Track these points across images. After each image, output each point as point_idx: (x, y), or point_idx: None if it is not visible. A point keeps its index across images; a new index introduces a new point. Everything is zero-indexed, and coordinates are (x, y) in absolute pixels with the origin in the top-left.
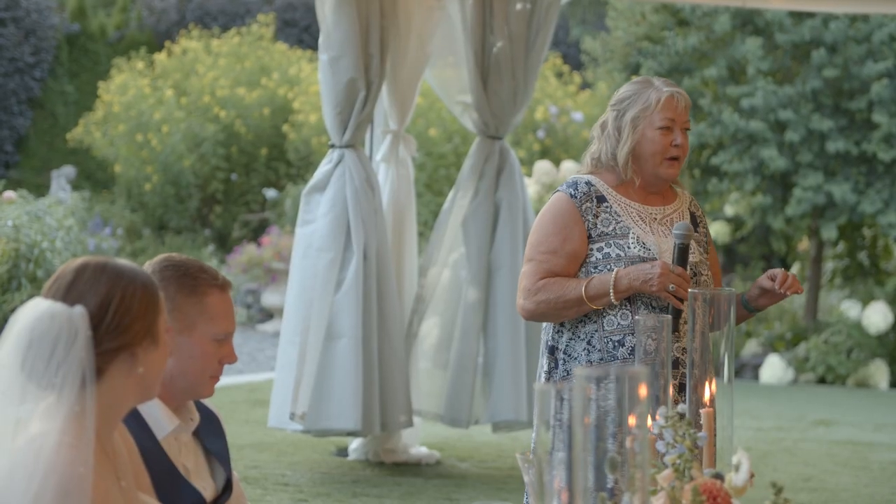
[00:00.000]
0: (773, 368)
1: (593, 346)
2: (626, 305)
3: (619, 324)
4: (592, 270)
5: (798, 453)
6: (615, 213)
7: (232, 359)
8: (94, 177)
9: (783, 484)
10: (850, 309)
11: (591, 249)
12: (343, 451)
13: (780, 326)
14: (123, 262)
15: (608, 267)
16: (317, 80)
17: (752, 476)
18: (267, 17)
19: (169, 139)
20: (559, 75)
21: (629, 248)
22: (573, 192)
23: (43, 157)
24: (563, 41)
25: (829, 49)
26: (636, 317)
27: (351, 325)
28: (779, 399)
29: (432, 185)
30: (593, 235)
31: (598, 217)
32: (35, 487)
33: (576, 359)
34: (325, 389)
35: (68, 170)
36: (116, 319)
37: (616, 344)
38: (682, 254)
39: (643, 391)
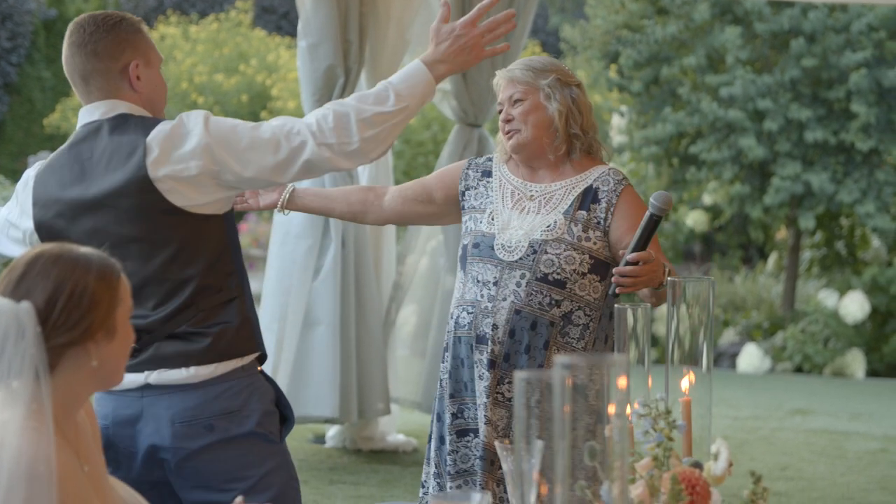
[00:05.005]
0: (751, 357)
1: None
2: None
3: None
4: (463, 242)
5: (775, 442)
6: (492, 189)
7: None
8: None
9: (760, 473)
10: (828, 298)
11: (464, 219)
12: (320, 439)
13: (757, 315)
14: (82, 250)
15: (467, 238)
16: (295, 67)
17: (730, 465)
18: (245, 3)
19: None
20: None
21: (481, 222)
22: (471, 161)
23: (20, 143)
24: (542, 29)
25: (807, 38)
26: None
27: (329, 312)
28: (756, 388)
29: (410, 172)
30: (465, 207)
31: (469, 189)
32: (5, 474)
33: None
34: (302, 376)
35: (45, 155)
36: (65, 314)
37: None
38: (646, 227)
39: (623, 381)
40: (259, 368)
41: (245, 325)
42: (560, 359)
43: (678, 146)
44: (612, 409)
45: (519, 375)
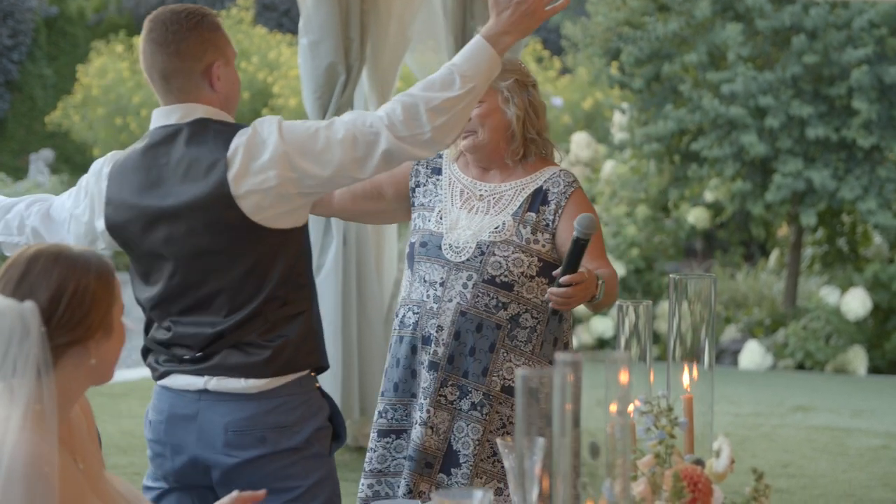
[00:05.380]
0: (752, 354)
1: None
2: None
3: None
4: (411, 240)
5: (776, 439)
6: (441, 187)
7: None
8: (73, 160)
9: (762, 470)
10: (829, 295)
11: (413, 216)
12: None
13: (759, 312)
14: (78, 250)
15: (415, 237)
16: (296, 65)
17: (732, 462)
18: (246, 1)
19: (148, 123)
20: (539, 60)
21: (429, 220)
22: None
23: (21, 141)
24: (543, 26)
25: (809, 35)
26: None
27: (330, 309)
28: (757, 385)
29: None
30: (415, 204)
31: (419, 186)
32: (4, 472)
33: None
34: None
35: (47, 153)
36: (69, 314)
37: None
38: (574, 251)
39: (624, 377)
40: (317, 385)
41: (309, 338)
42: (560, 356)
43: (679, 143)
44: (613, 407)
45: (520, 373)
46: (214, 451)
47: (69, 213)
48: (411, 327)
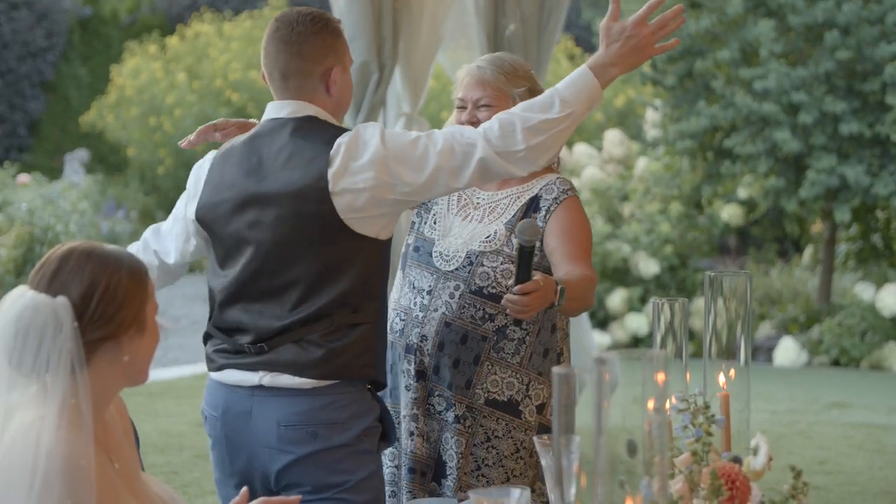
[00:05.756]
0: (787, 351)
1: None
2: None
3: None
4: (408, 240)
5: (812, 436)
6: None
7: None
8: (108, 160)
9: (799, 467)
10: (864, 291)
11: (413, 212)
12: None
13: (793, 309)
14: (111, 248)
15: (411, 238)
16: None
17: (770, 459)
18: (279, 0)
19: (181, 122)
20: (571, 58)
21: (425, 222)
22: None
23: (56, 141)
24: (575, 23)
25: (841, 31)
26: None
27: None
28: (793, 382)
29: None
30: None
31: None
32: (41, 471)
33: None
34: None
35: (81, 153)
36: (101, 309)
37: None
38: (521, 259)
39: (660, 375)
40: (368, 387)
41: (368, 352)
42: (598, 355)
43: (712, 140)
44: (650, 404)
45: (556, 371)
46: (269, 447)
47: (173, 216)
48: (398, 333)
